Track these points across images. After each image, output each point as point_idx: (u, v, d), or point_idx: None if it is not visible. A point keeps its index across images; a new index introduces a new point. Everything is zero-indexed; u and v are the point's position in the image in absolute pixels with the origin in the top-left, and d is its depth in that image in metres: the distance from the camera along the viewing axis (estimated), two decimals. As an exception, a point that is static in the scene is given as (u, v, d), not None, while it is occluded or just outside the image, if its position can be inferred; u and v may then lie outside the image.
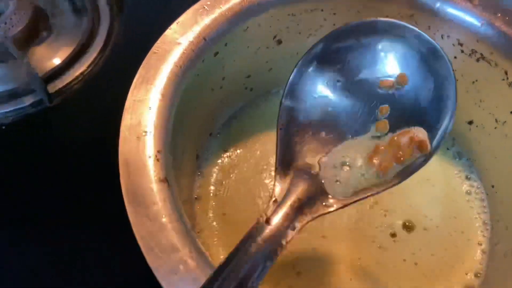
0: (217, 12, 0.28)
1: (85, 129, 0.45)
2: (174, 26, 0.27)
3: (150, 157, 0.22)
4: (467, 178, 0.33)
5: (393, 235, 0.31)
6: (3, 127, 0.45)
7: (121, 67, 0.50)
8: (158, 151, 0.22)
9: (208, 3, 0.28)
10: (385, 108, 0.26)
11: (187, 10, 0.27)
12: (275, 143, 0.24)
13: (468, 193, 0.33)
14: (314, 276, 0.29)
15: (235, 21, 0.28)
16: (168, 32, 0.26)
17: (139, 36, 0.53)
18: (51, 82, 0.46)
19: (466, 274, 0.29)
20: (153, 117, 0.24)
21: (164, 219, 0.20)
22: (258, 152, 0.34)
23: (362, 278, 0.29)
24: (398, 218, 0.31)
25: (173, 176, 0.23)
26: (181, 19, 0.27)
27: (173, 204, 0.21)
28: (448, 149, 0.35)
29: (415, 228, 0.31)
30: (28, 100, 0.46)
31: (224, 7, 0.28)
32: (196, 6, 0.28)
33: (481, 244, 0.30)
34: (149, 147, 0.22)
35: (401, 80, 0.26)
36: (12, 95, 0.46)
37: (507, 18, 0.28)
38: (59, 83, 0.47)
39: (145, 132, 0.23)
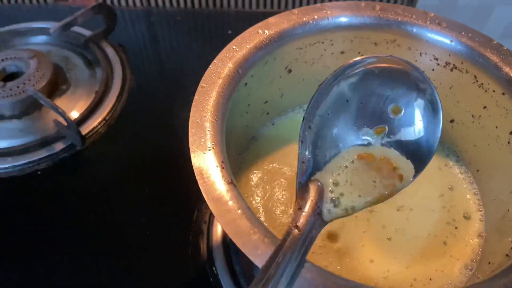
0: (245, 48, 0.34)
1: (115, 167, 0.50)
2: (214, 62, 0.33)
3: (217, 166, 0.28)
4: (457, 166, 0.40)
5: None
6: (39, 172, 0.49)
7: (138, 109, 0.56)
8: (222, 162, 0.28)
9: (234, 47, 0.35)
10: (382, 129, 0.32)
11: (222, 50, 0.34)
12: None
13: (460, 179, 0.39)
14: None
15: (258, 56, 0.35)
16: (211, 68, 0.33)
17: (150, 81, 0.60)
18: (80, 127, 0.51)
19: (469, 232, 0.36)
20: (210, 137, 0.29)
21: (239, 211, 0.26)
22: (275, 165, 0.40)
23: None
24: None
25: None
26: (218, 57, 0.33)
27: (241, 199, 0.27)
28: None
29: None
30: (59, 146, 0.51)
31: (249, 46, 0.35)
32: (227, 47, 0.34)
33: (478, 214, 0.37)
34: (214, 159, 0.28)
35: (396, 110, 0.32)
36: (43, 143, 0.51)
37: (469, 34, 0.36)
38: (87, 128, 0.52)
39: (209, 148, 0.28)
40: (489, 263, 0.32)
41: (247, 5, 0.74)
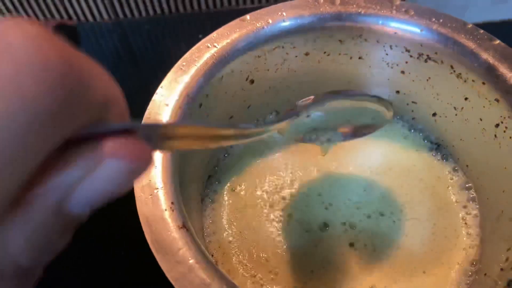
0: (193, 70, 0.31)
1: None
2: (159, 90, 0.30)
3: (166, 209, 0.25)
4: (445, 162, 0.37)
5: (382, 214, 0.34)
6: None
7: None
8: (172, 203, 0.25)
9: (184, 64, 0.32)
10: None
11: (167, 74, 0.31)
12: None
13: (450, 176, 0.36)
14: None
15: (210, 73, 0.32)
16: (156, 96, 0.30)
17: (128, 90, 0.57)
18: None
19: (464, 237, 0.33)
20: (160, 174, 0.27)
21: (191, 261, 0.23)
22: (245, 184, 0.37)
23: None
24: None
25: (189, 220, 0.26)
26: (164, 82, 0.30)
27: (195, 245, 0.24)
28: (424, 141, 0.38)
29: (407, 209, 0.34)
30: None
31: (198, 64, 0.31)
32: (174, 69, 0.31)
33: (471, 213, 0.34)
34: (163, 201, 0.25)
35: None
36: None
37: (440, 20, 0.33)
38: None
39: (156, 188, 0.26)
40: (485, 274, 0.29)
41: (218, 4, 0.70)
